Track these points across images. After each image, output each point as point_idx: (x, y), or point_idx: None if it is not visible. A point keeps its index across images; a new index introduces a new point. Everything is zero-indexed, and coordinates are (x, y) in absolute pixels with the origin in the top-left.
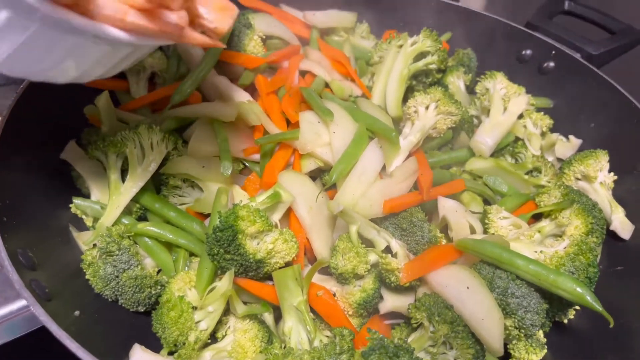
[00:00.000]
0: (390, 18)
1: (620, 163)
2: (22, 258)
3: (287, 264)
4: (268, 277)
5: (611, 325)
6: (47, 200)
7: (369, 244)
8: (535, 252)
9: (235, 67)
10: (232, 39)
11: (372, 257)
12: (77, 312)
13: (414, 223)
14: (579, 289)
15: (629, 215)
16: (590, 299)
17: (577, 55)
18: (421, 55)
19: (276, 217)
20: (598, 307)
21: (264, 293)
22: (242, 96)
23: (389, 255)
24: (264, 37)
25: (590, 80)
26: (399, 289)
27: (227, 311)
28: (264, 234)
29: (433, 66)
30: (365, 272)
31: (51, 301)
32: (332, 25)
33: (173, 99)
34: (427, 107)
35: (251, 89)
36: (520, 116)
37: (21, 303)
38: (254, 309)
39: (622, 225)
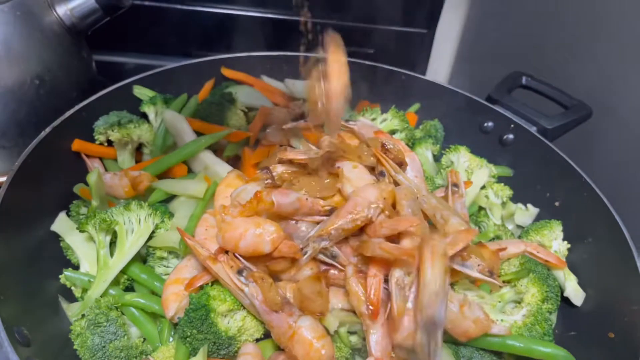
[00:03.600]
0: (363, 89)
1: (573, 232)
2: (18, 336)
3: (257, 341)
4: None
5: None
6: (37, 272)
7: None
8: (498, 322)
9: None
10: (217, 113)
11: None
12: None
13: None
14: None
15: (580, 283)
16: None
17: (533, 129)
18: (391, 132)
19: None
20: None
21: None
22: (226, 169)
23: None
24: (246, 109)
25: (545, 153)
26: None
27: None
28: (234, 312)
29: None
30: None
31: None
32: None
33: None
34: None
35: (235, 159)
36: (483, 187)
37: None
38: None
39: (574, 293)
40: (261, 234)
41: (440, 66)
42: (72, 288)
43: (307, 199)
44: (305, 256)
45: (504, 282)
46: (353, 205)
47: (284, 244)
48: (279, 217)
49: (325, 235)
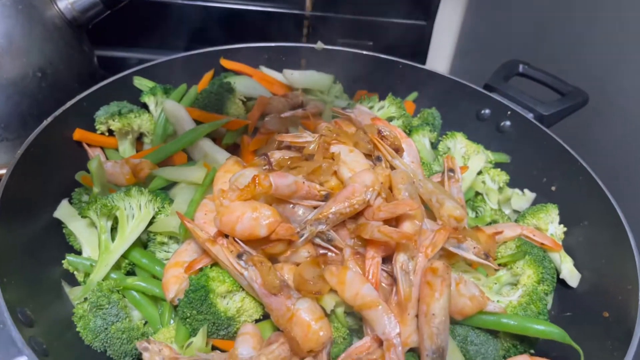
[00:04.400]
0: (361, 78)
1: (569, 216)
2: (21, 316)
3: (256, 322)
4: None
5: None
6: (41, 257)
7: None
8: (494, 301)
9: (219, 128)
10: (216, 102)
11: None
12: None
13: None
14: (555, 330)
15: (576, 265)
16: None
17: (530, 116)
18: (388, 120)
19: None
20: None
21: None
22: (224, 157)
23: None
24: (245, 99)
25: (541, 140)
26: None
27: None
28: (233, 293)
29: None
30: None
31: (48, 356)
32: (309, 86)
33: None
34: None
35: (234, 147)
36: (480, 172)
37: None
38: None
39: (570, 274)
40: (257, 218)
41: (439, 58)
42: (75, 273)
43: (303, 182)
44: (302, 239)
45: (500, 264)
46: (351, 191)
47: (280, 226)
48: (277, 200)
49: (322, 219)
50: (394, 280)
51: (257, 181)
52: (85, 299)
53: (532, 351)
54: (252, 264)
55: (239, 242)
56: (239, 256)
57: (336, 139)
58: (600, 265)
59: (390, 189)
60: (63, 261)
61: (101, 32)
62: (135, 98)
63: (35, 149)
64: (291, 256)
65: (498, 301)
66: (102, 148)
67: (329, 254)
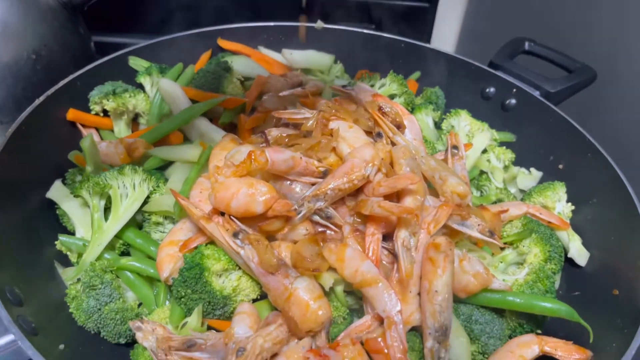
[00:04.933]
0: (363, 58)
1: (577, 194)
2: (10, 295)
3: (254, 302)
4: None
5: (591, 340)
6: (33, 238)
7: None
8: (499, 279)
9: (216, 107)
10: (213, 82)
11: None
12: (61, 346)
13: None
14: (563, 307)
15: (585, 243)
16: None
17: (536, 93)
18: (390, 97)
19: None
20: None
21: None
22: (221, 136)
23: None
24: (243, 78)
25: (548, 117)
26: None
27: None
28: (229, 272)
29: None
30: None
31: (37, 335)
32: (309, 66)
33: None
34: None
35: (231, 127)
36: (484, 151)
37: (9, 338)
38: None
39: (578, 253)
40: (253, 194)
41: (443, 39)
42: (68, 253)
43: (301, 157)
44: (299, 216)
45: (506, 243)
46: (350, 166)
47: (277, 202)
48: (274, 177)
49: (321, 195)
50: (395, 257)
51: (253, 157)
52: (78, 279)
53: (539, 331)
54: (249, 242)
55: (235, 220)
56: (235, 234)
57: (335, 115)
58: (609, 243)
59: (392, 165)
60: (56, 242)
61: (99, 18)
62: (130, 78)
63: (27, 128)
64: (289, 234)
65: (504, 280)
66: (97, 129)
67: (328, 231)
